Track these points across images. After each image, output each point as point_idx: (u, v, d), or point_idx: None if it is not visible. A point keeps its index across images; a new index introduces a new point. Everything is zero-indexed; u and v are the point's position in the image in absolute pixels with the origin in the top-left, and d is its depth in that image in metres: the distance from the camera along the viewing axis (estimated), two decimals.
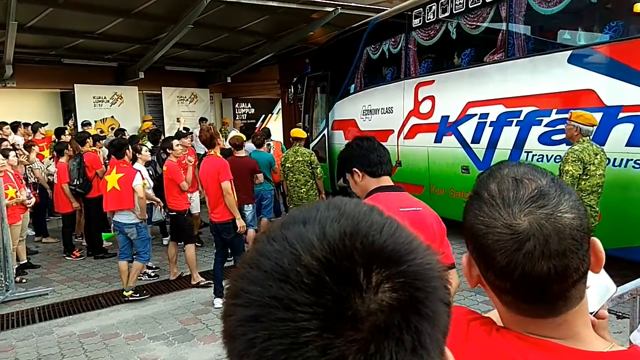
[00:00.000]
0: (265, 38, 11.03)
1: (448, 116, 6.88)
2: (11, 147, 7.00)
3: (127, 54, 11.25)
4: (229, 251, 5.40)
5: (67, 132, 8.83)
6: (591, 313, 0.82)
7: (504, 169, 0.76)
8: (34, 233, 8.15)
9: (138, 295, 5.37)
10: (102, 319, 4.96)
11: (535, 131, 5.66)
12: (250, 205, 6.30)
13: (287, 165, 6.50)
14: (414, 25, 7.48)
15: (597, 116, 4.79)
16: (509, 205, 0.71)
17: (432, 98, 7.19)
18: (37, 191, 7.40)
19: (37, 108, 11.65)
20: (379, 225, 0.43)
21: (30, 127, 9.06)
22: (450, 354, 0.49)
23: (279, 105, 14.99)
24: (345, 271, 0.39)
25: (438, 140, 7.09)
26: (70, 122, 11.25)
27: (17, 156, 6.71)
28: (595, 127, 4.44)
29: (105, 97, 12.09)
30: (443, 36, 7.01)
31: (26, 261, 6.70)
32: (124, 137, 8.42)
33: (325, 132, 9.78)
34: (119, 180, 5.47)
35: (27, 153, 7.48)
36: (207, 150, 5.28)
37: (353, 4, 8.99)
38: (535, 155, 5.61)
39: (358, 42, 8.76)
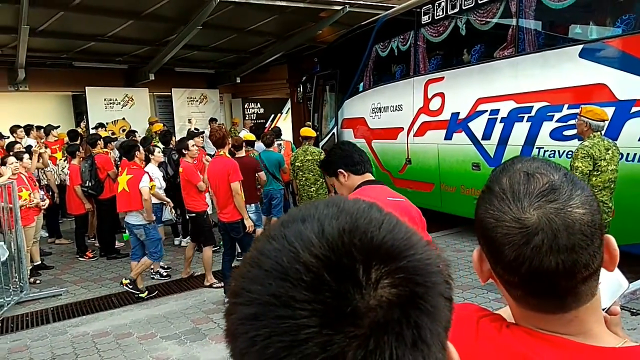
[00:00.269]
0: (273, 38, 11.04)
1: (458, 113, 6.84)
2: (24, 150, 7.08)
3: (138, 56, 11.34)
4: (239, 250, 5.43)
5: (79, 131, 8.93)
6: (603, 309, 0.81)
7: (517, 164, 0.76)
8: (47, 234, 8.25)
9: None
10: (115, 318, 5.01)
11: (547, 127, 5.60)
12: (252, 204, 6.30)
13: (296, 164, 6.50)
14: (423, 22, 7.44)
15: (610, 111, 4.73)
16: (519, 199, 0.71)
17: (441, 95, 7.14)
18: (50, 193, 7.48)
19: (49, 111, 11.81)
20: (377, 222, 0.43)
21: (42, 130, 9.16)
22: (453, 349, 0.48)
23: (288, 105, 15.01)
24: (344, 268, 0.39)
25: (448, 137, 7.05)
26: (82, 125, 11.36)
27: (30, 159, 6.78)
28: (606, 122, 4.37)
29: (116, 99, 12.20)
30: (452, 32, 6.96)
31: (40, 262, 6.77)
32: (135, 138, 8.50)
33: (335, 130, 9.77)
34: (127, 182, 5.53)
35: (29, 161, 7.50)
36: (216, 150, 5.30)
37: (361, 2, 8.96)
38: (547, 151, 5.55)
39: (367, 40, 8.74)
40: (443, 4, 7.03)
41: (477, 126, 6.52)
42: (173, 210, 6.36)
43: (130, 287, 5.41)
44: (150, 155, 6.10)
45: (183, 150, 6.20)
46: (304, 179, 6.46)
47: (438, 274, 0.43)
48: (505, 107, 6.12)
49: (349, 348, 0.37)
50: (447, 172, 7.18)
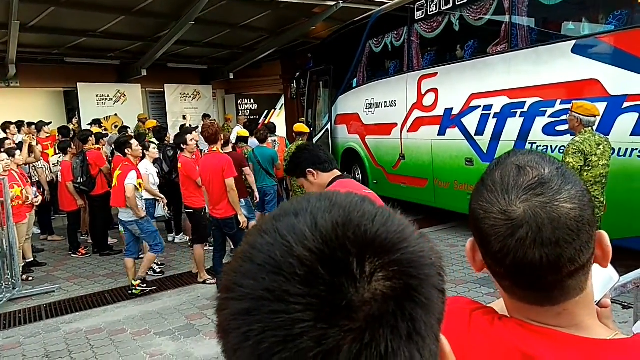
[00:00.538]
0: (267, 33, 11.01)
1: (451, 108, 6.85)
2: (15, 146, 7.03)
3: (130, 51, 11.27)
4: (232, 246, 5.42)
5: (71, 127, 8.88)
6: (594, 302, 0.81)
7: (512, 157, 0.77)
8: (39, 231, 8.20)
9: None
10: (108, 315, 4.99)
11: (540, 122, 5.63)
12: (242, 199, 6.28)
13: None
14: (416, 18, 7.44)
15: (602, 106, 4.76)
16: (507, 192, 0.72)
17: (435, 91, 7.16)
18: (41, 190, 7.43)
19: (41, 107, 11.72)
20: (371, 215, 0.43)
21: (34, 126, 9.09)
22: (445, 341, 0.49)
23: (282, 101, 14.98)
24: (338, 261, 0.39)
25: (442, 132, 7.06)
26: (75, 121, 11.29)
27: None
28: (597, 118, 4.39)
29: (108, 95, 12.13)
30: (446, 28, 6.97)
31: (32, 259, 6.74)
32: (129, 134, 8.45)
33: (329, 126, 9.77)
34: (117, 177, 5.51)
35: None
36: (209, 146, 5.28)
37: None
38: (540, 146, 5.57)
39: (360, 35, 8.73)
40: None
41: (471, 122, 6.54)
42: (166, 207, 6.32)
43: (144, 285, 5.39)
44: (145, 151, 6.07)
45: (182, 145, 6.17)
46: None
47: (431, 267, 0.43)
48: (498, 103, 6.14)
49: (344, 342, 0.37)
50: (440, 168, 7.20)
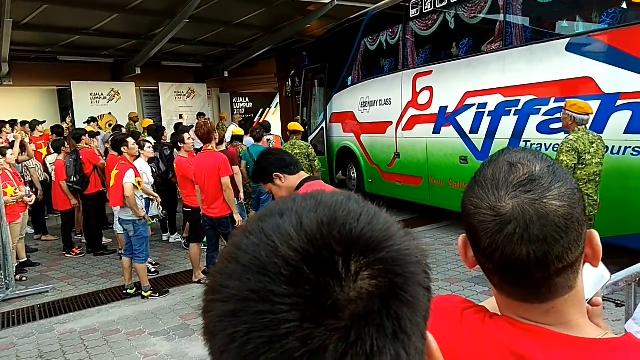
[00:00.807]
0: (261, 31, 10.99)
1: (446, 107, 6.86)
2: (8, 146, 6.98)
3: (123, 49, 11.22)
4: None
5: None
6: (585, 300, 0.81)
7: (505, 154, 0.77)
8: (33, 231, 8.16)
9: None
10: (102, 315, 4.97)
11: (534, 120, 5.64)
12: (235, 198, 6.26)
13: None
14: (411, 16, 7.44)
15: (595, 104, 4.77)
16: (497, 188, 0.72)
17: (430, 89, 7.16)
18: (34, 190, 7.38)
19: (34, 106, 11.65)
20: (356, 214, 0.43)
21: (28, 124, 9.04)
22: (432, 338, 0.49)
23: (277, 99, 14.96)
24: (323, 261, 0.39)
25: (436, 131, 7.07)
26: (68, 120, 11.23)
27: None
28: (590, 116, 4.41)
29: (102, 94, 12.07)
30: (441, 26, 6.97)
31: (26, 259, 6.70)
32: (122, 133, 8.41)
33: (324, 125, 9.76)
34: (115, 177, 5.48)
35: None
36: (204, 145, 5.27)
37: None
38: (534, 144, 5.59)
39: (355, 33, 8.72)
40: None
41: (465, 120, 6.55)
42: (160, 207, 6.29)
43: (157, 295, 5.36)
44: (139, 150, 6.03)
45: (179, 144, 6.14)
46: None
47: (417, 264, 0.43)
48: (492, 101, 6.15)
49: (330, 341, 0.37)
50: (435, 166, 7.21)
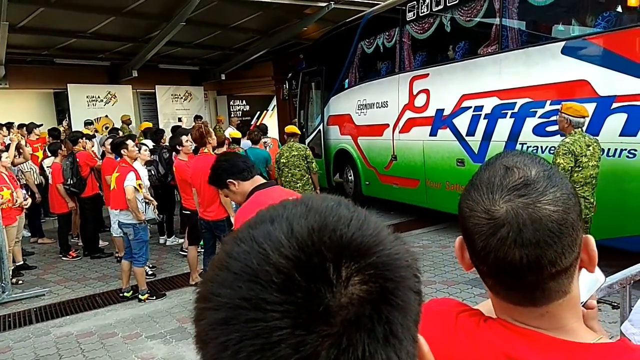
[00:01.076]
0: (258, 34, 11.00)
1: (443, 109, 6.88)
2: (4, 149, 6.96)
3: (120, 52, 11.21)
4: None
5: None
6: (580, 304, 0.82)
7: (502, 158, 0.77)
8: (29, 234, 8.13)
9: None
10: (99, 318, 4.95)
11: (530, 123, 5.66)
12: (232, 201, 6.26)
13: (282, 160, 6.49)
14: (407, 19, 7.47)
15: (591, 106, 4.80)
16: (492, 191, 0.73)
17: (426, 91, 7.18)
18: (30, 193, 7.35)
19: (31, 109, 11.62)
20: (346, 219, 0.43)
21: (25, 127, 9.02)
22: (423, 341, 0.49)
23: (274, 102, 14.97)
24: (314, 267, 0.39)
25: (433, 133, 7.09)
26: (64, 123, 11.21)
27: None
28: (586, 119, 4.43)
29: (98, 97, 12.05)
30: (437, 29, 6.99)
31: (22, 262, 6.67)
32: (121, 136, 8.39)
33: (321, 127, 9.77)
34: (116, 180, 5.47)
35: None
36: (200, 148, 5.27)
37: None
38: (530, 147, 5.61)
39: (352, 36, 8.75)
40: (427, 1, 7.06)
41: (462, 122, 6.58)
42: (156, 210, 6.28)
43: (153, 297, 5.35)
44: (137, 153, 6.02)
45: (177, 147, 6.13)
46: (290, 175, 6.46)
47: (407, 269, 0.43)
48: (489, 104, 6.17)
49: (322, 347, 0.37)
50: (432, 169, 7.23)
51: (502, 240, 0.70)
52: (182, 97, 13.39)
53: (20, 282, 6.20)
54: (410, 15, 7.42)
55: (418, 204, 7.75)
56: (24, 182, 7.58)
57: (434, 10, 6.97)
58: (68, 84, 11.52)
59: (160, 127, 12.06)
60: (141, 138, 8.89)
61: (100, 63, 11.90)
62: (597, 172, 4.38)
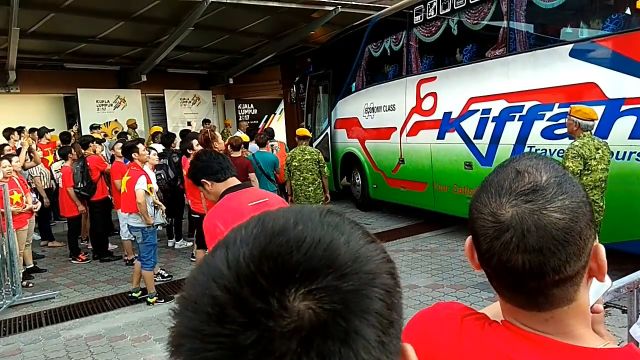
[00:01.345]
0: (266, 38, 11.05)
1: (450, 112, 6.87)
2: (15, 153, 7.04)
3: (129, 57, 11.30)
4: None
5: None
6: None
7: (516, 161, 0.77)
8: (39, 237, 8.21)
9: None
10: (108, 321, 4.99)
11: (538, 125, 5.64)
12: None
13: (293, 163, 6.45)
14: (415, 22, 7.47)
15: (600, 109, 4.77)
16: (500, 195, 0.73)
17: (434, 95, 7.17)
18: (39, 197, 7.42)
19: (41, 113, 11.74)
20: (297, 241, 0.41)
21: (36, 131, 9.11)
22: (410, 348, 0.48)
23: (282, 106, 15.01)
24: (248, 299, 0.38)
25: (441, 136, 7.08)
26: (74, 127, 11.31)
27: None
28: (595, 122, 4.39)
29: (108, 101, 12.16)
30: (444, 32, 6.99)
31: (32, 265, 6.73)
32: (131, 140, 8.45)
33: (328, 130, 9.78)
34: (127, 183, 5.51)
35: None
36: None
37: (353, 3, 8.99)
38: (538, 150, 5.58)
39: (359, 40, 8.76)
40: (435, 4, 7.06)
41: (469, 125, 6.56)
42: (165, 214, 6.31)
43: (161, 300, 5.38)
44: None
45: (188, 151, 6.16)
46: (301, 178, 6.43)
47: (366, 288, 0.41)
48: (496, 107, 6.15)
49: None
50: (439, 172, 7.21)
51: (506, 244, 0.70)
52: (190, 101, 13.47)
53: (30, 285, 6.25)
54: (417, 19, 7.42)
55: (426, 207, 7.73)
56: (34, 186, 7.66)
57: (441, 13, 6.97)
58: (78, 89, 11.63)
59: (169, 131, 12.17)
60: (150, 142, 8.95)
61: (109, 68, 12.01)
62: (607, 175, 4.35)
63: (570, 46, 5.30)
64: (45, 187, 7.95)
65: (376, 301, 0.41)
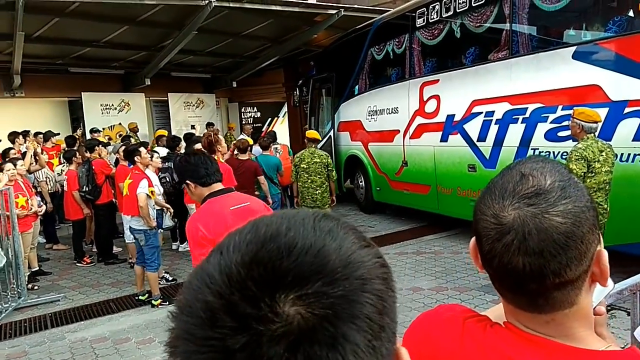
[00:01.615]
0: (269, 42, 11.07)
1: (453, 115, 6.87)
2: (20, 156, 7.08)
3: (133, 61, 11.35)
4: None
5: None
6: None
7: (522, 163, 0.78)
8: (44, 240, 8.24)
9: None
10: (113, 324, 5.01)
11: (541, 128, 5.64)
12: None
13: (302, 165, 6.42)
14: (417, 25, 7.48)
15: (603, 111, 4.76)
16: (504, 198, 0.73)
17: (437, 97, 7.18)
18: (43, 201, 7.46)
19: (46, 117, 11.80)
20: (287, 247, 0.42)
21: (42, 135, 9.16)
22: (405, 351, 0.48)
23: (285, 109, 15.04)
24: (238, 304, 0.39)
25: (444, 139, 7.08)
26: (79, 131, 11.36)
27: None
28: (599, 124, 4.39)
29: (112, 105, 12.21)
30: (447, 35, 7.00)
31: (37, 268, 6.76)
32: (134, 143, 8.49)
33: (332, 133, 9.80)
34: (129, 186, 5.54)
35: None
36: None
37: (356, 6, 9.01)
38: (542, 152, 5.58)
39: (362, 43, 8.78)
40: (437, 7, 7.07)
41: (473, 128, 6.56)
42: (172, 215, 6.34)
43: (166, 303, 5.39)
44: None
45: None
46: (309, 181, 6.40)
47: (356, 295, 0.41)
48: (500, 109, 6.15)
49: None
50: (443, 174, 7.21)
51: (507, 246, 0.71)
52: (194, 105, 13.51)
53: (35, 287, 6.28)
54: (420, 22, 7.43)
55: (429, 210, 7.73)
56: (39, 189, 7.70)
57: (443, 16, 6.98)
58: (82, 93, 11.69)
59: (173, 134, 12.20)
60: (154, 145, 8.98)
61: (113, 71, 12.06)
62: (611, 177, 4.34)
63: (573, 48, 5.31)
64: (51, 190, 7.99)
65: (366, 306, 0.41)
